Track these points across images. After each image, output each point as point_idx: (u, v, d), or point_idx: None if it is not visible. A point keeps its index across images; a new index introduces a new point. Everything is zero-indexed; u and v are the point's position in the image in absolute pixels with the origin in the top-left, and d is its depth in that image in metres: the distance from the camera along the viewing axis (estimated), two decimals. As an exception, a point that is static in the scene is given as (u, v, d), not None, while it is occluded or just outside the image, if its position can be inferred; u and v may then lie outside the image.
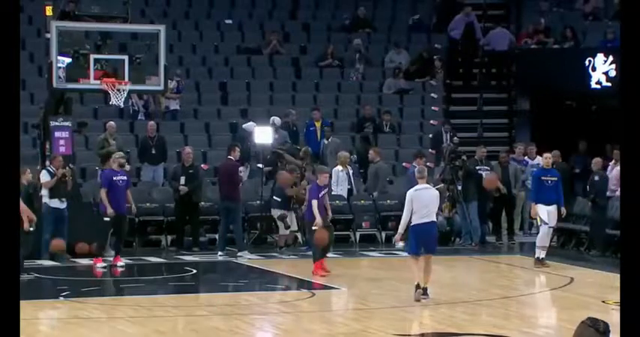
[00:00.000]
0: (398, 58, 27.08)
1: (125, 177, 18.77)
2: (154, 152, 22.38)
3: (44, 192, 18.95)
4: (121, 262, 18.64)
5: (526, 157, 23.06)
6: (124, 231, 18.90)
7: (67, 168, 19.21)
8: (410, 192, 14.82)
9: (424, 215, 14.61)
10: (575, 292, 16.26)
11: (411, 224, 14.66)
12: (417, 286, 14.90)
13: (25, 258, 17.22)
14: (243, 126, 22.68)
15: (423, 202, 14.62)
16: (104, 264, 18.51)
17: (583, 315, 15.13)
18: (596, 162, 20.92)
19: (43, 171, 19.09)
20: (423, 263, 14.91)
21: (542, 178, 18.52)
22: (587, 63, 25.32)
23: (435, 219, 14.98)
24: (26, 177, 15.82)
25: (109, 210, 18.37)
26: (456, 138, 23.65)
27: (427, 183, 15.26)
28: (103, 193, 18.55)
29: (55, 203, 19.04)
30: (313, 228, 17.44)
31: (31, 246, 18.01)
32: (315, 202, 17.31)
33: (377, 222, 21.95)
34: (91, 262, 18.61)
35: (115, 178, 18.57)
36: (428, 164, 22.05)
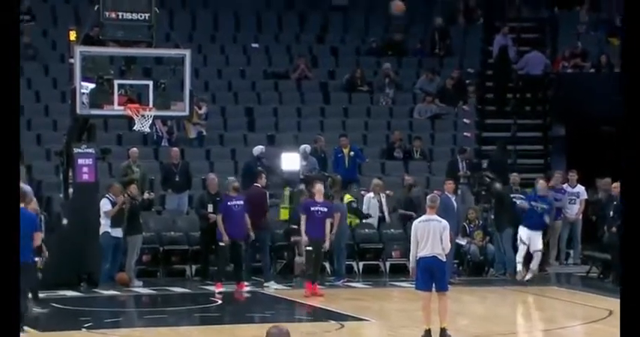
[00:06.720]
0: (429, 87, 26.50)
1: (241, 202, 18.68)
2: (177, 179, 21.93)
3: (104, 221, 18.91)
4: (244, 288, 18.75)
5: (565, 185, 22.40)
6: (241, 257, 18.91)
7: (125, 195, 19.16)
8: (414, 223, 14.36)
9: (425, 247, 13.98)
10: (612, 325, 15.67)
11: (417, 257, 14.11)
12: (428, 332, 13.97)
13: (40, 289, 16.81)
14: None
15: (424, 234, 14.00)
16: (222, 290, 18.56)
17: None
18: (616, 187, 20.17)
19: (104, 200, 19.04)
20: (436, 304, 14.07)
21: None
22: (625, 87, 24.73)
23: (440, 252, 13.98)
24: (32, 206, 15.22)
25: (225, 237, 18.35)
26: (485, 165, 23.01)
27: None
28: (219, 219, 18.47)
29: (117, 232, 19.02)
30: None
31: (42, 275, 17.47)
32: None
33: (408, 252, 21.33)
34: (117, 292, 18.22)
35: (229, 203, 18.57)
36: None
